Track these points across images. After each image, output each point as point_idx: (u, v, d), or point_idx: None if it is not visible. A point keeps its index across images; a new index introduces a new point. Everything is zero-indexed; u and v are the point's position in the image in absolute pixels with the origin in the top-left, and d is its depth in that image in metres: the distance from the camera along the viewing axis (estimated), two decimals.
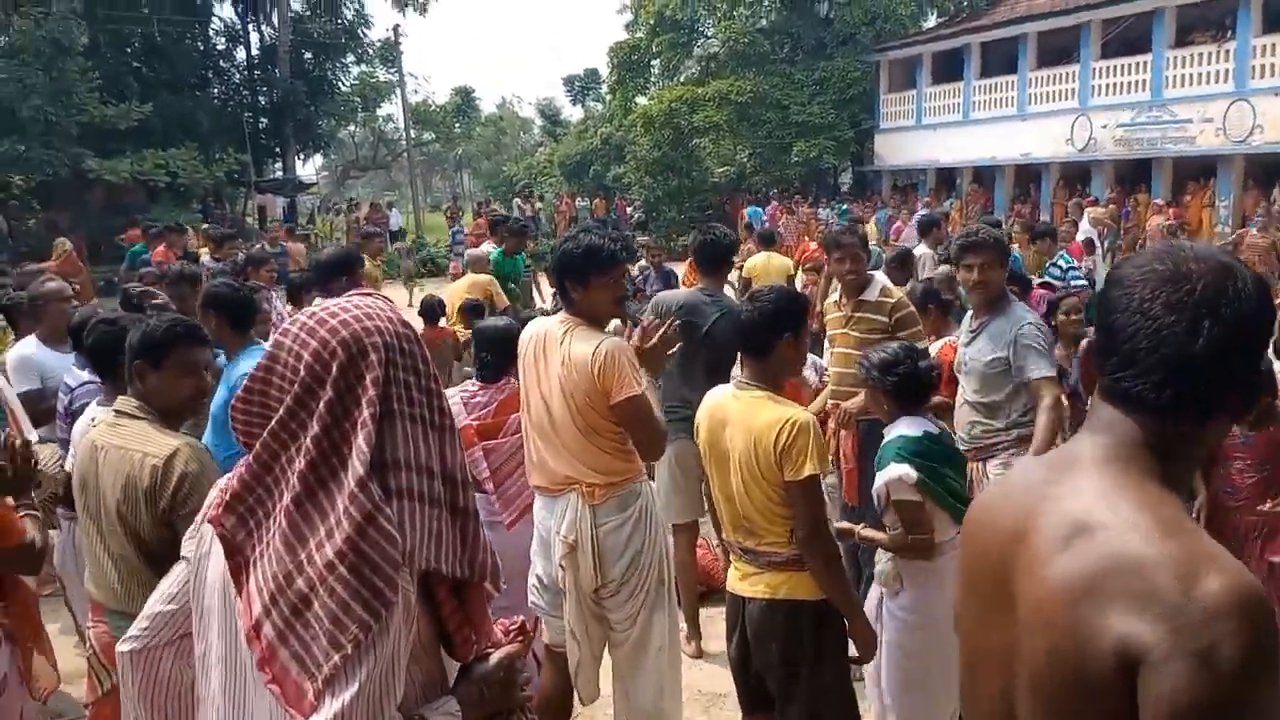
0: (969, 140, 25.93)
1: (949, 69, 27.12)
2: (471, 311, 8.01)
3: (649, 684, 3.55)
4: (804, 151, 27.77)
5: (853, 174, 31.95)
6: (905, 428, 3.45)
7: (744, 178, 31.01)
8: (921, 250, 9.31)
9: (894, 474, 3.33)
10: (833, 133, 28.11)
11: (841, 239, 4.95)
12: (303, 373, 1.48)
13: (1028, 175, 25.34)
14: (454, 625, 1.59)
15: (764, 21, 31.62)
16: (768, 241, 11.70)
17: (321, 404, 1.46)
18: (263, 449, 1.50)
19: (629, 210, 31.93)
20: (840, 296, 5.04)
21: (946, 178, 27.58)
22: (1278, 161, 19.70)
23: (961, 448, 4.10)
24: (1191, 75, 20.77)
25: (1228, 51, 19.95)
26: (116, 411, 2.85)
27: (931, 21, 29.72)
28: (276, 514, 1.47)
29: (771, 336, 3.13)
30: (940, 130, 26.91)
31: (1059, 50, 24.25)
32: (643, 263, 11.29)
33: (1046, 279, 8.76)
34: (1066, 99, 23.59)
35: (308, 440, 1.46)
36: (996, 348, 4.23)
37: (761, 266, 10.52)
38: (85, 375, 4.02)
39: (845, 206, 24.91)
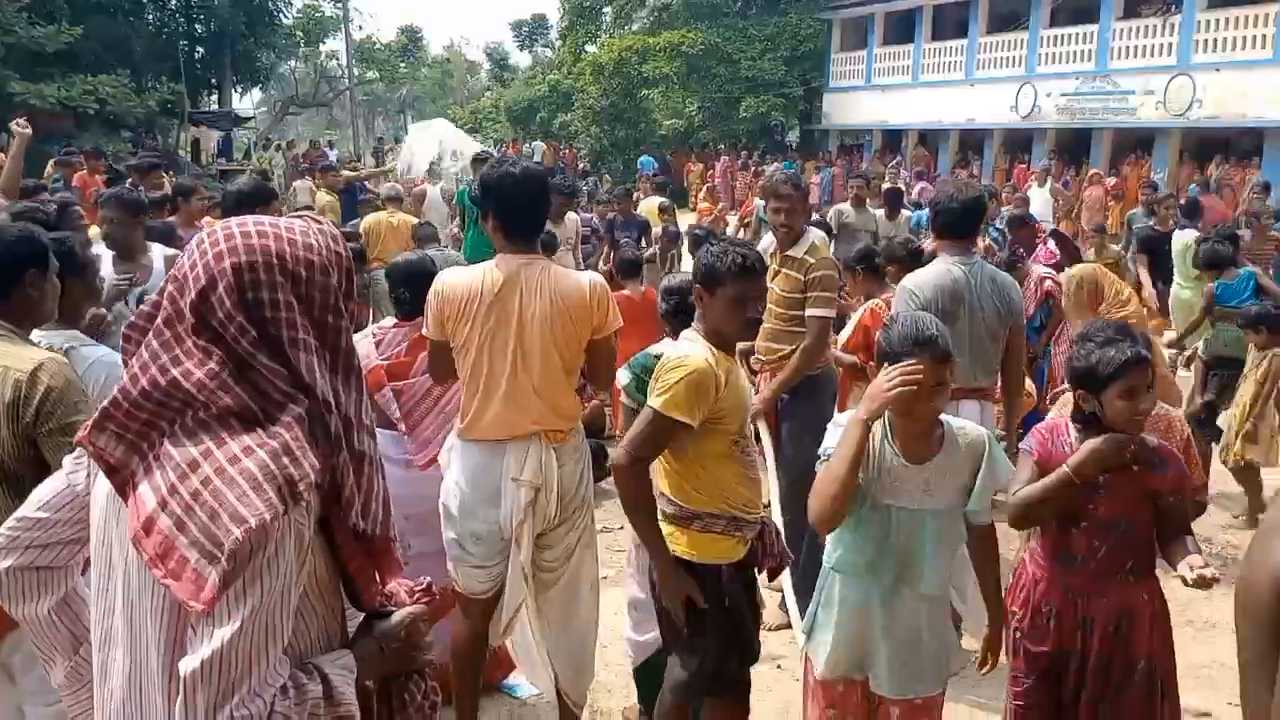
0: (916, 103, 26.04)
1: (900, 30, 27.13)
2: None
3: (585, 623, 3.57)
4: (753, 107, 27.70)
5: (800, 132, 31.95)
6: (655, 345, 3.77)
7: (692, 131, 30.83)
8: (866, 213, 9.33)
9: (617, 377, 3.75)
10: (782, 89, 28.08)
11: (780, 189, 4.79)
12: (192, 291, 1.44)
13: (971, 140, 25.55)
14: (354, 567, 1.54)
15: None
16: (660, 189, 13.20)
17: (214, 323, 1.43)
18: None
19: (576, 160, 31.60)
20: (774, 249, 5.00)
21: (892, 139, 27.69)
22: (1214, 136, 20.09)
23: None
24: (1136, 47, 21.02)
25: (1173, 25, 20.21)
26: None
27: None
28: (175, 417, 1.42)
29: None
30: (889, 91, 26.98)
31: (1008, 17, 24.37)
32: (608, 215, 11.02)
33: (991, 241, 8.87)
34: (1013, 66, 23.76)
35: (215, 351, 1.43)
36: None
37: (647, 209, 11.73)
38: None
39: (792, 163, 24.94)
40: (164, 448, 1.41)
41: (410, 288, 3.92)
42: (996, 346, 4.24)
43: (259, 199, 4.64)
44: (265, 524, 1.33)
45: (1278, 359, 5.83)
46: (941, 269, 4.12)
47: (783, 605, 4.55)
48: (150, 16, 30.09)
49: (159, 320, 1.47)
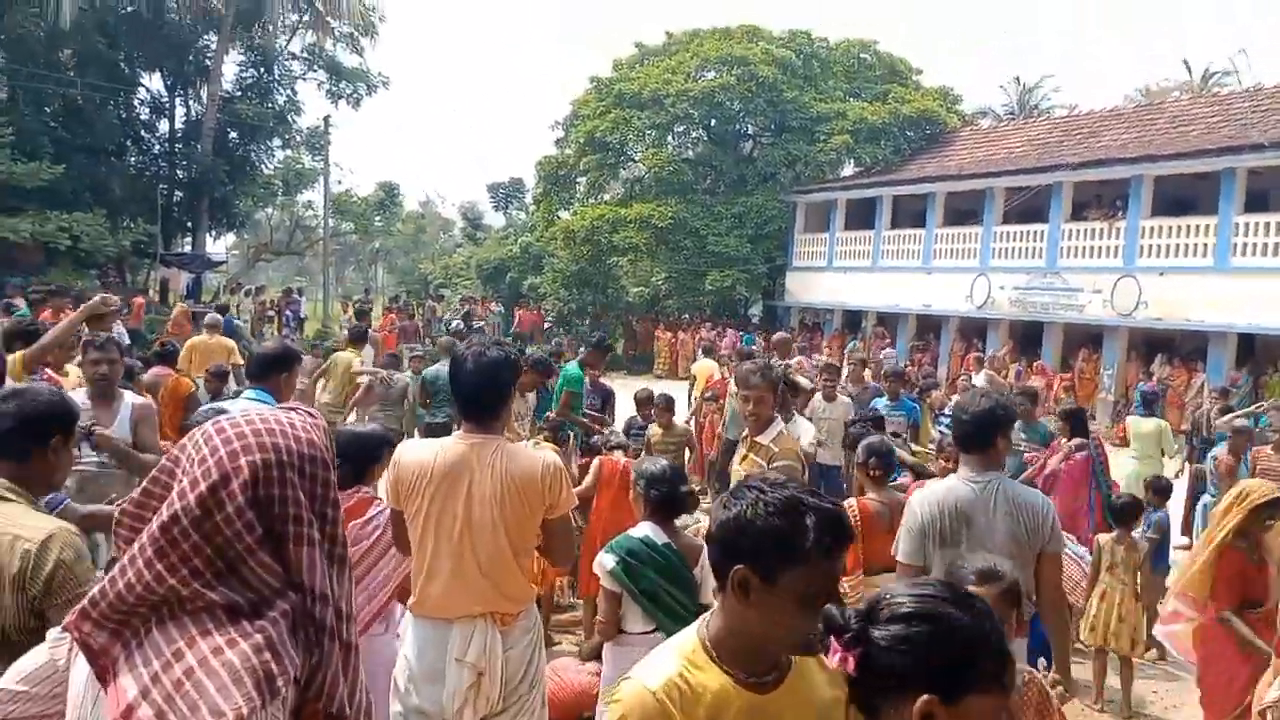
0: (876, 286, 26.93)
1: (861, 217, 28.30)
2: (220, 377, 8.69)
3: None
4: (717, 281, 28.50)
5: (763, 307, 32.78)
6: (636, 529, 3.98)
7: (658, 300, 31.57)
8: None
9: (599, 561, 3.86)
10: (746, 265, 28.98)
11: (750, 379, 4.88)
12: (201, 485, 1.45)
13: (929, 324, 26.32)
14: None
15: (690, 152, 32.74)
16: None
17: (219, 518, 1.44)
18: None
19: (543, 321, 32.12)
20: (745, 434, 5.08)
21: (852, 318, 28.47)
22: (1160, 336, 20.86)
23: None
24: (1084, 248, 22.03)
25: (1119, 229, 21.25)
26: None
27: (849, 170, 31.12)
28: (160, 607, 1.43)
29: None
30: (849, 274, 27.91)
31: (964, 211, 25.57)
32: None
33: (940, 428, 9.06)
34: (968, 257, 24.75)
35: (207, 547, 1.44)
36: None
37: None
38: None
39: (752, 337, 25.51)
40: (149, 635, 1.42)
41: (348, 459, 3.92)
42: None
43: (284, 365, 4.75)
44: (243, 718, 1.35)
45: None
46: (949, 485, 3.84)
47: None
48: (132, 159, 30.74)
49: (151, 512, 1.49)
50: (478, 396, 3.38)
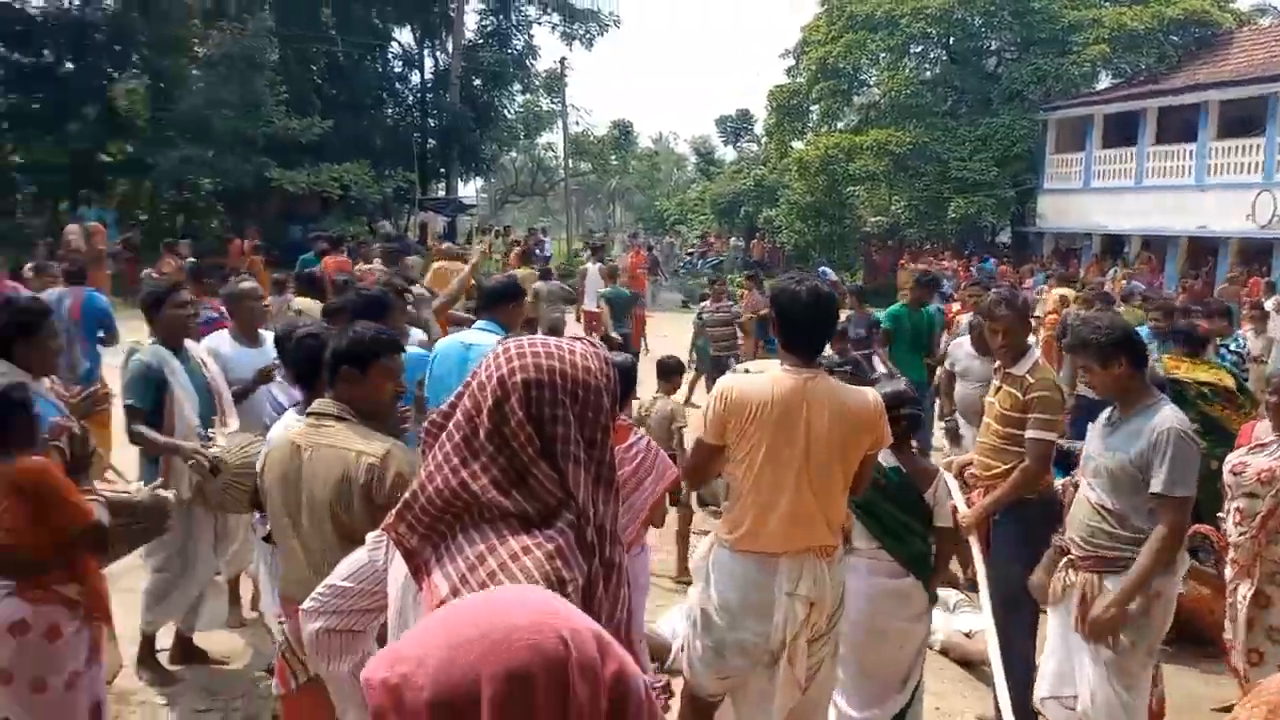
0: (1140, 207, 24.88)
1: (1121, 133, 26.13)
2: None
3: None
4: (961, 208, 27.22)
5: (1012, 234, 31.11)
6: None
7: (897, 229, 30.63)
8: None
9: None
10: (993, 190, 27.45)
11: (995, 311, 4.68)
12: (490, 401, 1.59)
13: (1202, 248, 24.13)
14: None
15: (928, 73, 31.28)
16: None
17: (507, 431, 1.57)
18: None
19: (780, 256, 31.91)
20: (997, 365, 4.89)
21: (1113, 244, 26.49)
22: None
23: (1076, 553, 3.89)
24: None
25: None
26: (315, 414, 2.99)
27: (1104, 83, 28.78)
28: (462, 513, 1.57)
29: None
30: (1109, 194, 25.93)
31: (1243, 120, 23.08)
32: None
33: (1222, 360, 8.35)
34: (1250, 172, 22.39)
35: (500, 458, 1.57)
36: (1132, 449, 3.73)
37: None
38: (299, 394, 3.86)
39: (989, 262, 24.32)
40: (455, 540, 1.57)
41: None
42: None
43: (511, 297, 5.06)
44: None
45: None
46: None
47: None
48: (390, 111, 32.78)
49: (453, 424, 1.64)
50: (811, 331, 3.41)
